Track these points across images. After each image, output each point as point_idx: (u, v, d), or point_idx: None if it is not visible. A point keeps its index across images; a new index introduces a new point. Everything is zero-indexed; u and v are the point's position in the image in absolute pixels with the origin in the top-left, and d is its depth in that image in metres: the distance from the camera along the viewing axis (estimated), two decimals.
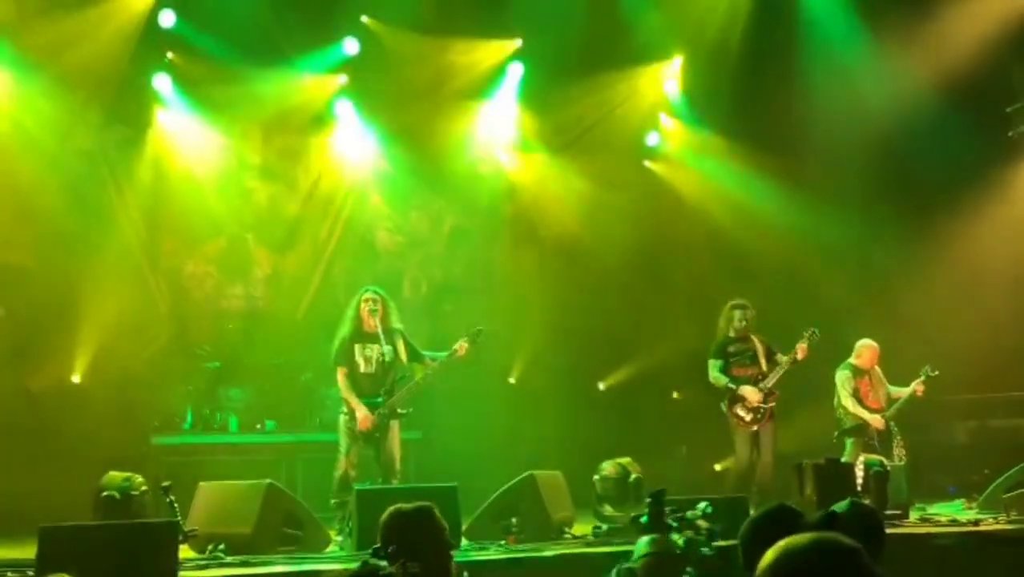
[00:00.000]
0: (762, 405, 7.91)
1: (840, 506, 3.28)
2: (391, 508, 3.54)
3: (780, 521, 3.12)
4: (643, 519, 3.53)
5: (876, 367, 8.37)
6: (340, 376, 7.12)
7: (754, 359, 8.05)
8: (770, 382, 7.94)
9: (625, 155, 11.39)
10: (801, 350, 7.86)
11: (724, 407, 8.05)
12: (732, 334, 8.12)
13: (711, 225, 11.12)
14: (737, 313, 8.10)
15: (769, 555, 1.91)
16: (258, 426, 9.41)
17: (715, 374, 8.06)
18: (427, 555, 3.29)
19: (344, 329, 7.22)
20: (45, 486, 7.67)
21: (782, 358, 8.01)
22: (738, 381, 7.97)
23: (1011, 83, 10.08)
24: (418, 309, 10.63)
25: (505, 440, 9.65)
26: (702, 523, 3.58)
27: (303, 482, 8.65)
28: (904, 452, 8.04)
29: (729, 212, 11.02)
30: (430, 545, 3.41)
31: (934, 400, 8.64)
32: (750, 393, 7.91)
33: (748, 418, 7.94)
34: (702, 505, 3.61)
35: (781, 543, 1.92)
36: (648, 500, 3.60)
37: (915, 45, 9.90)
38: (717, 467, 10.08)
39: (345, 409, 7.11)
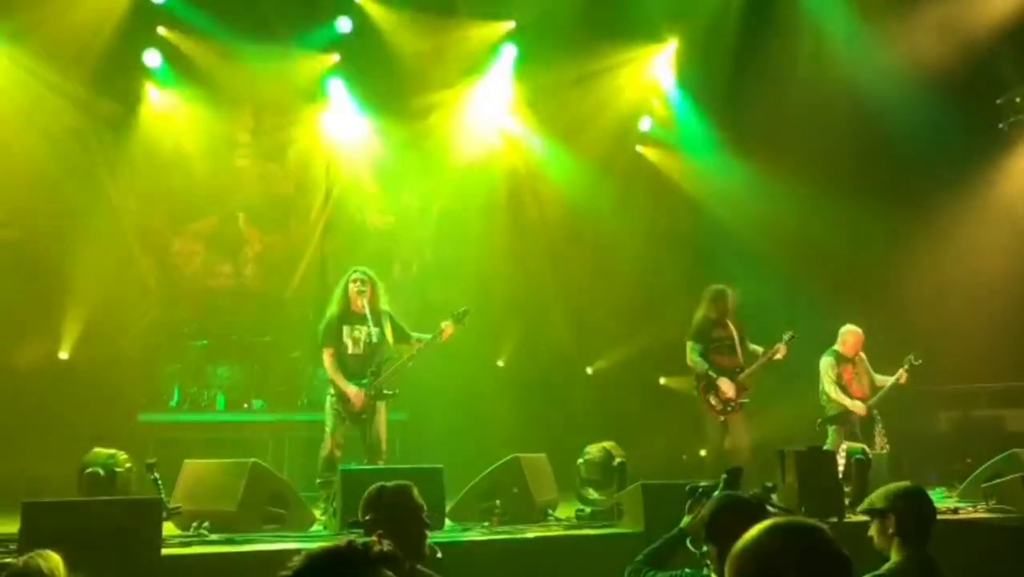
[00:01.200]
0: (734, 400, 7.94)
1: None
2: (375, 484, 3.69)
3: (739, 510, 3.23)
4: (716, 494, 3.69)
5: (861, 354, 8.39)
6: (327, 357, 7.10)
7: (732, 348, 8.07)
8: (745, 376, 7.97)
9: (617, 139, 11.35)
10: (780, 350, 7.91)
11: (696, 391, 8.08)
12: (714, 316, 8.11)
13: (702, 211, 11.13)
14: (721, 298, 8.10)
15: (736, 546, 1.94)
16: (245, 405, 9.43)
17: (695, 357, 8.05)
18: (403, 530, 3.38)
19: (332, 309, 7.20)
20: (31, 462, 7.69)
21: (757, 350, 8.05)
22: (718, 370, 7.98)
23: (1001, 74, 10.10)
24: (408, 290, 10.63)
25: (492, 423, 9.66)
26: (774, 497, 3.87)
27: (289, 461, 8.69)
28: (886, 440, 8.09)
29: (720, 199, 11.02)
30: (406, 521, 3.51)
31: (918, 389, 8.70)
32: (726, 386, 7.93)
33: (719, 408, 7.97)
34: (768, 485, 3.88)
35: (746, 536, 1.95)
36: (724, 476, 3.83)
37: (907, 35, 9.91)
38: (703, 452, 10.14)
39: (332, 390, 7.10)
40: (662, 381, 11.22)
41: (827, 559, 1.88)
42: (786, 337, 7.90)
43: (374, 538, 1.89)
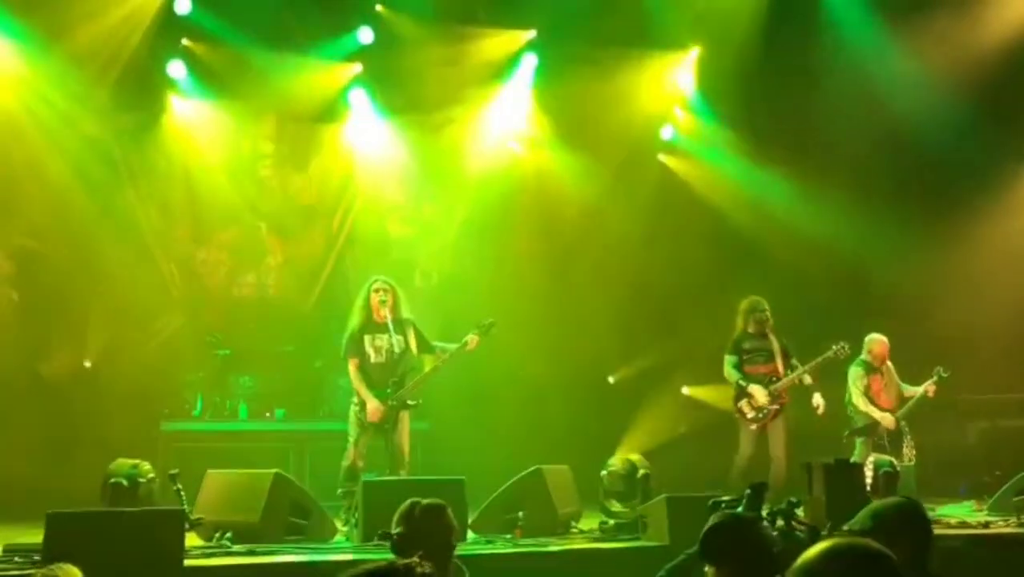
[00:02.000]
0: (767, 407, 7.93)
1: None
2: (410, 500, 3.72)
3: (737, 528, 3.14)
4: (739, 508, 3.65)
5: (888, 363, 8.29)
6: (351, 367, 7.08)
7: (770, 357, 8.09)
8: (780, 385, 7.96)
9: (639, 149, 11.30)
10: (814, 371, 7.94)
11: (733, 402, 8.12)
12: (751, 330, 8.15)
13: (725, 220, 11.04)
14: (757, 310, 8.13)
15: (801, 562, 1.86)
16: (267, 414, 9.44)
17: (728, 369, 8.14)
18: (430, 549, 3.35)
19: (354, 320, 7.17)
20: (56, 471, 7.72)
21: (798, 365, 8.03)
22: (749, 379, 8.02)
23: None
24: (429, 300, 10.60)
25: (514, 433, 9.63)
26: (799, 512, 3.77)
27: (311, 471, 8.69)
28: (914, 452, 7.98)
29: (743, 208, 10.94)
30: (436, 539, 3.49)
31: (946, 400, 8.57)
32: (758, 392, 7.95)
33: (750, 416, 7.98)
34: (793, 500, 3.80)
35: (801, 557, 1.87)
36: (748, 491, 3.73)
37: (934, 45, 9.80)
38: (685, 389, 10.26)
39: (356, 399, 7.07)
40: (685, 391, 11.14)
41: None
42: (836, 347, 7.94)
43: (416, 559, 1.88)
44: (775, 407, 7.95)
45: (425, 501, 3.70)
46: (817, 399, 7.99)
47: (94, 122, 9.45)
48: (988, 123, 9.88)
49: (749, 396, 7.97)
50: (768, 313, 8.15)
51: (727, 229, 10.99)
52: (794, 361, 8.08)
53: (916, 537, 3.33)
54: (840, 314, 9.73)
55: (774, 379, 8.00)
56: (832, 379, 8.40)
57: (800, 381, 7.98)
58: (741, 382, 8.00)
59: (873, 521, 3.40)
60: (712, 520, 3.24)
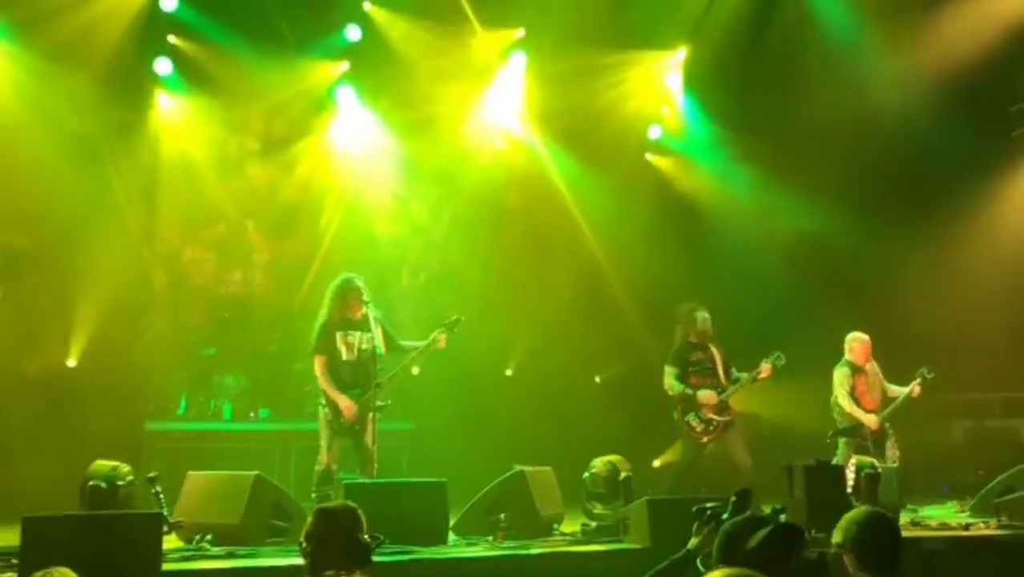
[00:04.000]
0: (716, 417, 7.72)
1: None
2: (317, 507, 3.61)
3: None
4: (724, 516, 3.63)
5: (873, 362, 8.24)
6: (318, 364, 6.87)
7: (712, 371, 7.85)
8: (727, 395, 7.75)
9: (627, 147, 11.30)
10: (765, 370, 7.68)
11: (676, 415, 7.85)
12: (694, 339, 7.89)
13: (710, 220, 11.06)
14: (699, 315, 7.86)
15: None
16: (252, 414, 9.41)
17: (670, 381, 7.80)
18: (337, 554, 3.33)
19: (324, 315, 7.00)
20: (38, 471, 7.68)
21: (741, 375, 7.83)
22: (695, 389, 7.75)
23: (1014, 83, 9.99)
24: (417, 298, 10.62)
25: (500, 433, 9.63)
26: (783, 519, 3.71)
27: (296, 471, 8.63)
28: (898, 453, 7.98)
29: (730, 206, 10.96)
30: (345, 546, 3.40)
31: (930, 399, 8.58)
32: (707, 398, 7.70)
33: (699, 429, 7.74)
34: (778, 507, 3.73)
35: None
36: (734, 498, 3.70)
37: (918, 43, 9.82)
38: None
39: (324, 400, 6.90)
40: (668, 392, 11.11)
41: None
42: (772, 357, 7.66)
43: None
44: (725, 419, 7.73)
45: (329, 506, 3.62)
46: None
47: (80, 119, 9.38)
48: (974, 122, 9.91)
49: (698, 406, 7.72)
50: (709, 322, 7.86)
51: (711, 228, 11.00)
52: (735, 372, 7.85)
53: (877, 544, 3.42)
54: (823, 312, 9.73)
55: (719, 392, 7.74)
56: (814, 379, 8.42)
57: (755, 380, 7.70)
58: (688, 391, 7.70)
59: (842, 534, 3.44)
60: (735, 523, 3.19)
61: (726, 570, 1.91)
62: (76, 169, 9.29)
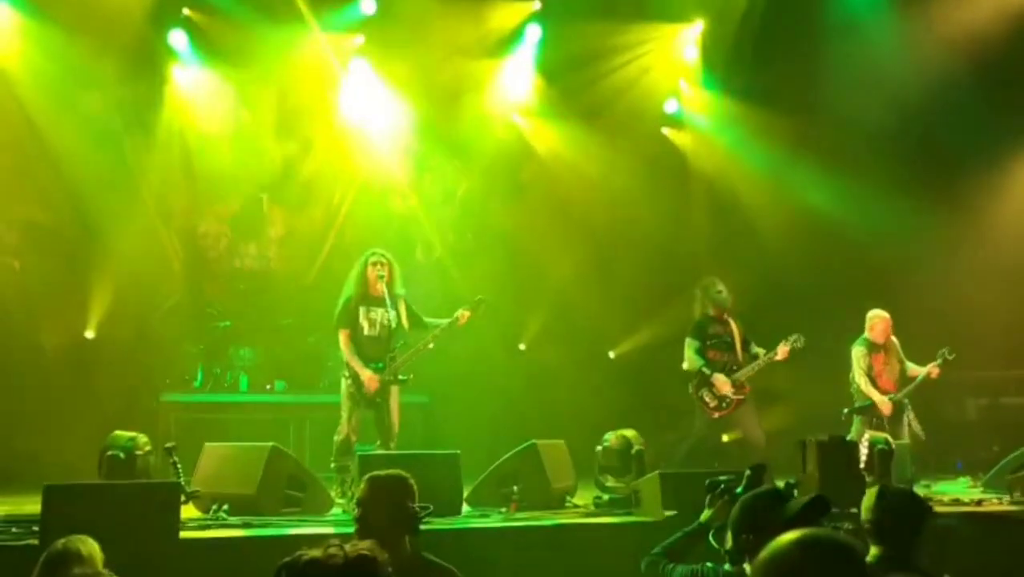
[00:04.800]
0: (729, 396, 7.77)
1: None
2: (368, 475, 3.69)
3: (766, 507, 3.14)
4: (738, 490, 3.65)
5: (893, 339, 8.18)
6: (343, 338, 7.04)
7: (731, 345, 7.89)
8: (742, 374, 7.81)
9: (643, 121, 11.22)
10: (782, 352, 7.68)
11: (691, 388, 7.91)
12: (712, 312, 7.94)
13: (728, 194, 10.99)
14: (717, 288, 7.90)
15: (760, 558, 1.87)
16: (268, 386, 9.48)
17: (691, 354, 7.87)
18: (387, 525, 3.40)
19: (349, 290, 7.13)
20: (57, 442, 7.78)
21: (759, 351, 7.85)
22: (712, 366, 7.81)
23: None
24: (431, 273, 10.63)
25: (513, 407, 9.67)
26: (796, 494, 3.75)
27: (311, 442, 8.72)
28: (921, 427, 7.93)
29: (747, 181, 10.89)
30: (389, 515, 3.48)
31: (946, 376, 8.55)
32: (721, 383, 7.77)
33: (712, 404, 7.81)
34: (791, 482, 3.76)
35: (771, 545, 1.88)
36: (748, 472, 3.72)
37: (940, 18, 9.69)
38: (725, 438, 10.03)
39: (347, 372, 7.06)
40: (685, 367, 11.11)
41: None
42: (791, 339, 7.66)
43: (367, 545, 1.90)
44: (739, 397, 7.78)
45: (380, 473, 3.66)
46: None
47: (96, 93, 9.42)
48: (995, 97, 9.79)
49: (711, 385, 7.78)
50: (726, 294, 7.91)
51: (729, 202, 10.94)
52: (753, 347, 7.89)
53: (895, 515, 3.52)
54: (842, 289, 9.70)
55: (735, 368, 7.83)
56: (832, 357, 8.40)
57: (772, 361, 7.71)
58: (705, 370, 7.77)
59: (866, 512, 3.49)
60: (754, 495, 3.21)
61: (804, 530, 1.91)
62: (92, 143, 9.35)
